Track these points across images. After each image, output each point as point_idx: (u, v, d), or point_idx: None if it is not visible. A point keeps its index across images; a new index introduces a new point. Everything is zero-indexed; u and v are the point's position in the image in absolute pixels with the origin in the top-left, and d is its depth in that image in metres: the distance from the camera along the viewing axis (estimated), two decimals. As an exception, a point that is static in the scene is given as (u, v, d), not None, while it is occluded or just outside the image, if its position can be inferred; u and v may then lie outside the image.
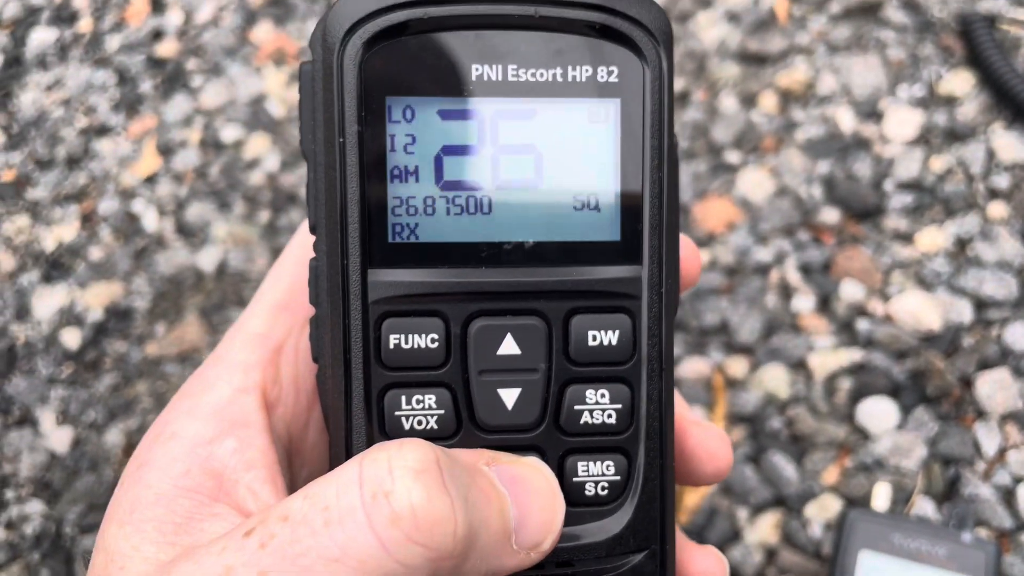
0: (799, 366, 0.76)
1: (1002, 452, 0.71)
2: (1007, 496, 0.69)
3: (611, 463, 0.36)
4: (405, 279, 0.35)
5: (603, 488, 0.36)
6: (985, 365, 0.74)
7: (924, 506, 0.69)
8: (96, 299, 0.89)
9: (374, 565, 0.28)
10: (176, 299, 0.88)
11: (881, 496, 0.69)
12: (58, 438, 0.82)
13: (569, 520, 0.35)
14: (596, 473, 0.36)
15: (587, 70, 0.35)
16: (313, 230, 0.36)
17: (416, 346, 0.35)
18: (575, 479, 0.36)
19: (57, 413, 0.83)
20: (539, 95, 0.35)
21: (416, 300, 0.35)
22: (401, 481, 0.29)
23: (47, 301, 0.89)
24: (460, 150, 0.35)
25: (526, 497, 0.33)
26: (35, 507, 0.79)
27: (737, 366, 0.77)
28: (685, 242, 0.44)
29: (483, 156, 0.35)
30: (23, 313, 0.89)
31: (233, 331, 0.42)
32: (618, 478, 0.36)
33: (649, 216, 0.36)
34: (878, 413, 0.73)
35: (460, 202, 0.35)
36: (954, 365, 0.74)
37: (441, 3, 0.34)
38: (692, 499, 0.72)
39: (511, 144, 0.35)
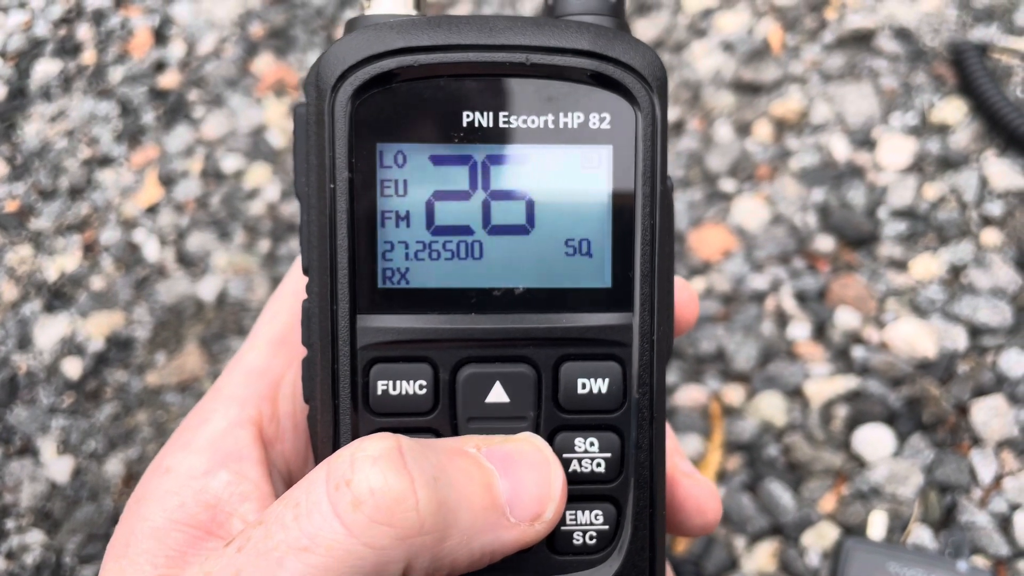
0: (795, 393, 0.77)
1: (998, 479, 0.71)
2: (1004, 523, 0.69)
3: (600, 512, 0.36)
4: (393, 325, 0.35)
5: (591, 537, 0.36)
6: (980, 392, 0.74)
7: (921, 534, 0.69)
8: (97, 329, 0.89)
9: (342, 551, 0.29)
10: (177, 328, 0.89)
11: (877, 524, 0.69)
12: (58, 468, 0.82)
13: (557, 569, 0.36)
14: (584, 522, 0.36)
15: (579, 116, 0.35)
16: (306, 271, 0.36)
17: (404, 392, 0.35)
18: (563, 528, 0.36)
19: (58, 443, 0.84)
20: (531, 141, 0.35)
21: (405, 346, 0.35)
22: (360, 469, 0.30)
23: (49, 331, 0.90)
24: (452, 195, 0.35)
25: (518, 470, 0.33)
26: (35, 537, 0.79)
27: (734, 394, 0.77)
28: (682, 286, 0.44)
29: (475, 202, 0.35)
30: (25, 343, 0.90)
31: (232, 365, 0.42)
32: (607, 527, 0.36)
33: (640, 263, 0.35)
34: (874, 440, 0.73)
35: (451, 247, 0.35)
36: (949, 392, 0.74)
37: (432, 51, 0.34)
38: (689, 527, 0.72)
39: (503, 190, 0.35)
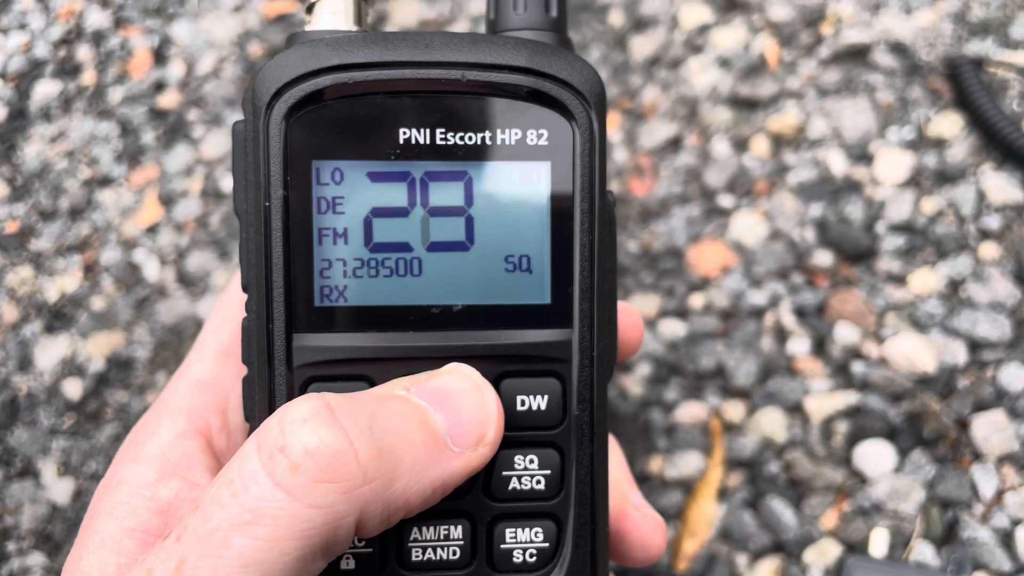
0: (796, 409, 0.77)
1: (1000, 494, 0.71)
2: (1006, 539, 0.69)
3: (540, 529, 0.36)
4: (330, 343, 0.35)
5: (531, 555, 0.36)
6: (981, 407, 0.74)
7: (923, 550, 0.69)
8: (98, 349, 0.89)
9: (288, 516, 0.28)
10: (177, 348, 0.89)
11: (879, 541, 0.69)
12: (59, 489, 0.82)
13: None
14: (524, 540, 0.36)
15: (516, 133, 0.35)
16: (245, 289, 0.36)
17: None
18: (503, 546, 0.36)
19: (58, 464, 0.84)
20: (469, 158, 0.35)
21: (342, 365, 0.35)
22: (292, 432, 0.29)
23: (49, 352, 0.90)
24: (390, 212, 0.35)
25: (451, 400, 0.33)
26: (36, 559, 0.79)
27: (734, 410, 0.77)
28: (626, 310, 0.44)
29: (413, 218, 0.35)
30: (25, 364, 0.90)
31: (178, 376, 0.42)
32: (547, 545, 0.36)
33: (579, 279, 0.35)
34: (875, 456, 0.73)
35: (390, 264, 0.35)
36: (950, 407, 0.74)
37: (367, 68, 0.34)
38: (691, 546, 0.72)
39: (441, 206, 0.35)
